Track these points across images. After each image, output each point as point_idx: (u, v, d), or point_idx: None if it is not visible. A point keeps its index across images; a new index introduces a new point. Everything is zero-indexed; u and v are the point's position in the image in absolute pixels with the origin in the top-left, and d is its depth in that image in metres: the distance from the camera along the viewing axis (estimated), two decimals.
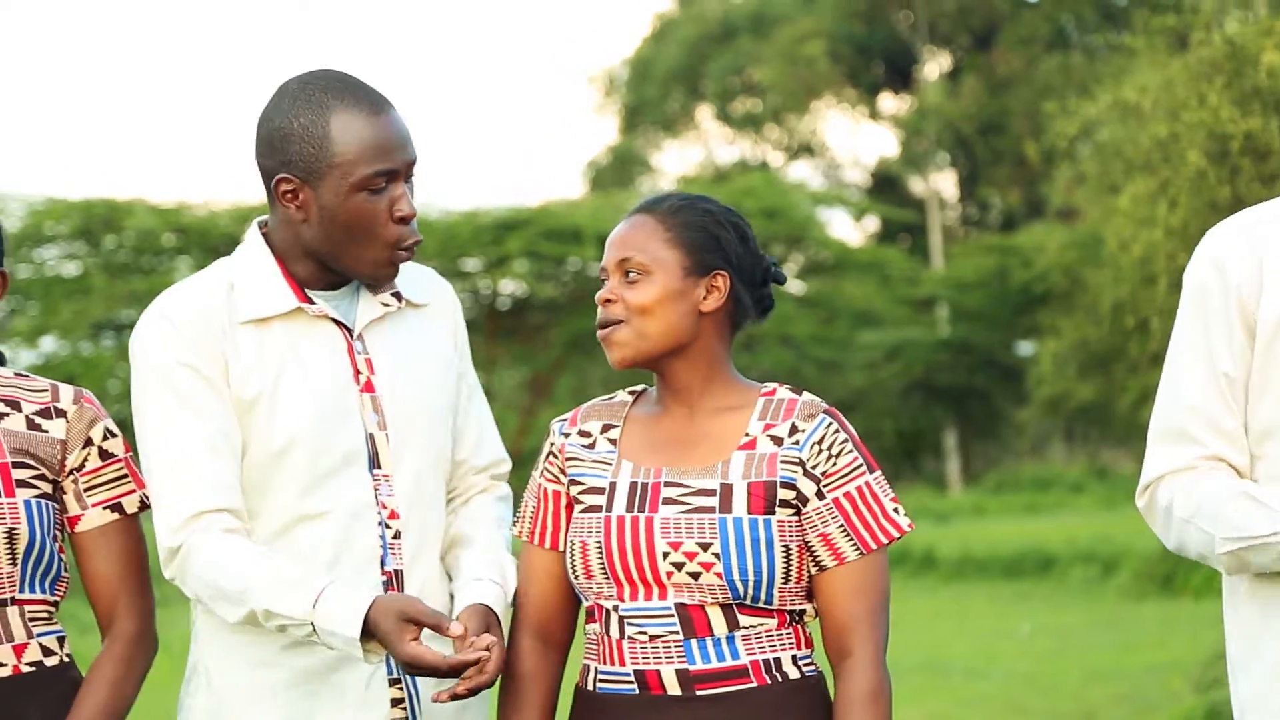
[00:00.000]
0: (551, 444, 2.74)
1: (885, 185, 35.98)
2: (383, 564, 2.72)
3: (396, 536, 2.74)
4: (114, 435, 2.78)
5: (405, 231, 2.69)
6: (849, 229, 34.89)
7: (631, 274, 2.65)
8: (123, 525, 2.76)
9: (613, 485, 2.65)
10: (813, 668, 2.66)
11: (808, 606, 2.66)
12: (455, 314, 2.89)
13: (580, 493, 2.68)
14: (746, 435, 2.64)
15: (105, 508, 2.75)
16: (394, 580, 2.73)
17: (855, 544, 2.62)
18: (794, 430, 2.63)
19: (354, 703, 2.69)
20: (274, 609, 2.58)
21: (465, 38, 69.84)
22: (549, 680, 2.73)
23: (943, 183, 35.51)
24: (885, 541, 2.63)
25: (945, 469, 30.78)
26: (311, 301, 2.72)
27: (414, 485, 2.76)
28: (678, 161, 38.54)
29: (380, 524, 2.72)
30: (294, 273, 2.73)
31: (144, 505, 2.78)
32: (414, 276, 2.85)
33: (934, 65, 35.13)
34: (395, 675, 2.72)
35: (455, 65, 69.63)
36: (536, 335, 18.92)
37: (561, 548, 2.71)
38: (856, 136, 44.05)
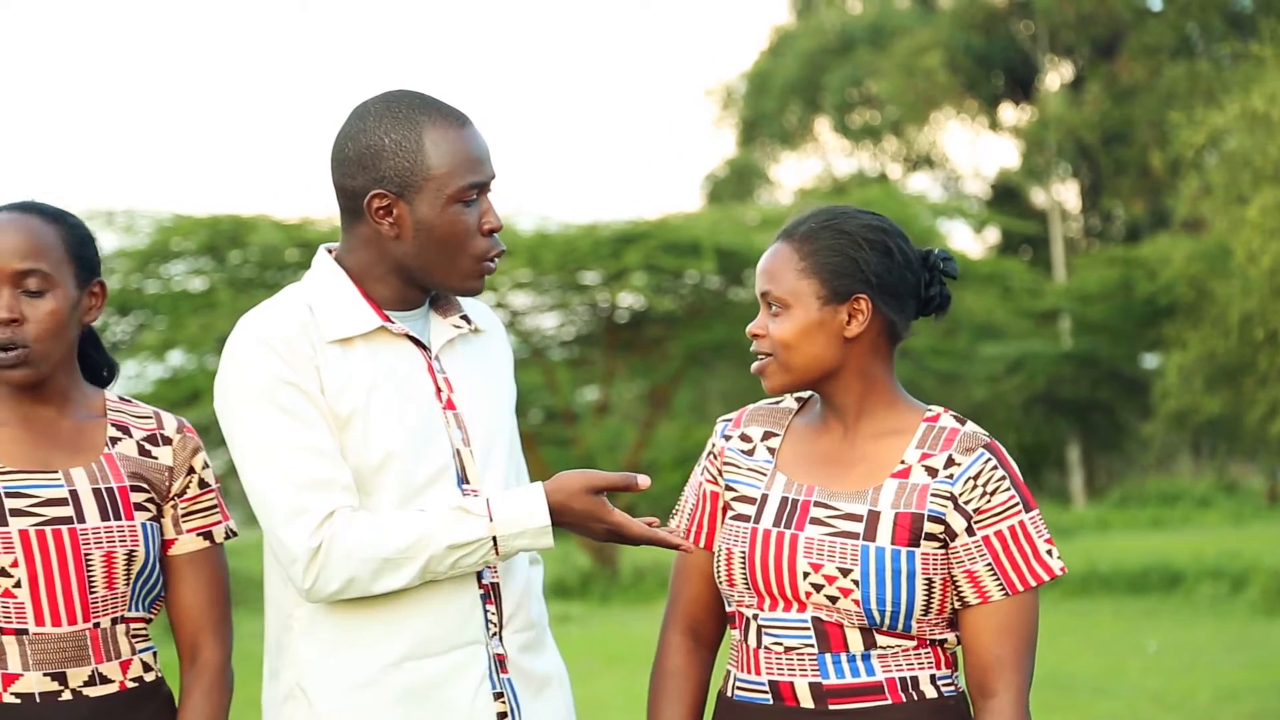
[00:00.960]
0: (713, 445, 2.75)
1: (1006, 196, 35.65)
2: (480, 577, 2.73)
3: None
4: (209, 466, 2.85)
5: (492, 243, 2.73)
6: (969, 241, 34.66)
7: (773, 306, 2.65)
8: (211, 553, 2.82)
9: (764, 497, 2.65)
10: (953, 688, 2.63)
11: (950, 636, 2.63)
12: (508, 346, 2.93)
13: (733, 499, 2.69)
14: (902, 463, 2.62)
15: (198, 534, 2.81)
16: (491, 593, 2.74)
17: (1001, 584, 2.59)
18: (950, 463, 2.60)
19: (460, 718, 2.69)
20: (456, 540, 2.60)
21: (584, 52, 70.19)
22: (698, 676, 2.74)
23: (1065, 193, 35.14)
24: (1034, 584, 2.59)
25: (1069, 483, 30.44)
26: (392, 321, 2.74)
27: None
28: (795, 174, 38.47)
29: None
30: (371, 293, 2.75)
31: (229, 535, 2.85)
32: (472, 305, 2.88)
33: (1055, 75, 34.76)
34: (498, 689, 2.73)
35: (575, 79, 69.98)
36: (655, 348, 18.94)
37: (714, 548, 2.72)
38: (976, 147, 43.67)
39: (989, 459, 2.59)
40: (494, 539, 2.61)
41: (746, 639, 2.64)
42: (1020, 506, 2.59)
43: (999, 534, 2.57)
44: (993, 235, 34.77)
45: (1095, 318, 25.16)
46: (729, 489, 2.70)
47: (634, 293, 17.80)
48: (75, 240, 2.75)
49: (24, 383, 2.70)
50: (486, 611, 2.72)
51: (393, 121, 2.69)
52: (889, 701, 2.57)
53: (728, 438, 2.73)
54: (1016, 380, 25.37)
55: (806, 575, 2.58)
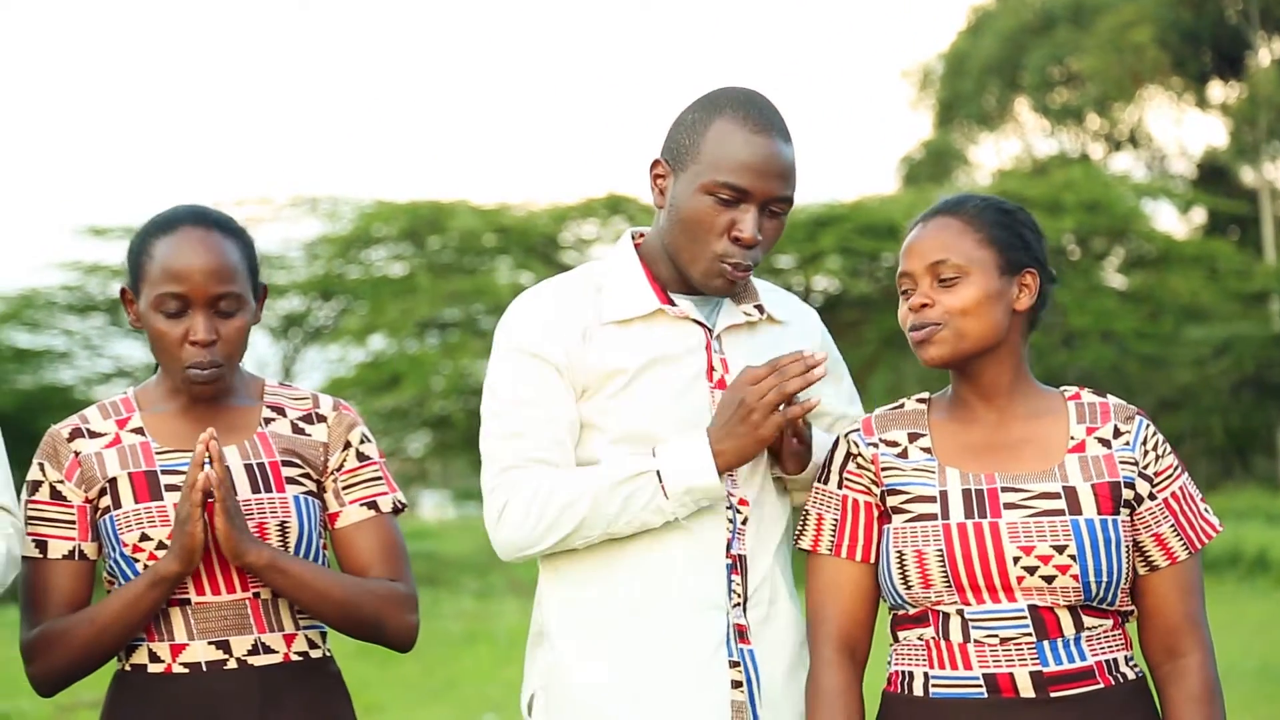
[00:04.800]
0: (855, 455, 2.70)
1: (1213, 176, 34.81)
2: (729, 547, 2.77)
3: (745, 522, 2.79)
4: (369, 441, 2.90)
5: (733, 250, 2.74)
6: (1174, 221, 33.86)
7: (947, 277, 2.63)
8: (378, 520, 2.86)
9: (943, 493, 2.61)
10: (1139, 669, 2.65)
11: (1133, 607, 2.66)
12: (819, 335, 2.95)
13: (904, 502, 2.64)
14: (1072, 439, 2.63)
15: (362, 505, 2.86)
16: (738, 564, 2.77)
17: (1184, 543, 2.65)
18: (1117, 433, 2.64)
19: (693, 682, 2.72)
20: (622, 474, 2.68)
21: (781, 35, 69.95)
22: (858, 693, 2.70)
23: (1275, 172, 34.20)
24: (1206, 540, 2.66)
25: (1278, 468, 29.70)
26: (673, 303, 2.81)
27: (759, 479, 2.81)
28: (993, 155, 37.96)
29: (731, 508, 2.78)
30: (658, 275, 2.82)
31: (397, 508, 2.89)
32: (777, 297, 2.93)
33: (1266, 52, 33.84)
34: (735, 658, 2.75)
35: (771, 62, 69.79)
36: (850, 332, 18.82)
37: (872, 560, 2.68)
38: (1182, 126, 42.74)
39: (1147, 424, 2.67)
40: (658, 472, 2.67)
41: (946, 635, 2.59)
42: (1180, 468, 2.67)
43: (1174, 495, 2.65)
44: (1199, 216, 33.94)
45: None
46: (894, 493, 2.65)
47: (829, 276, 17.73)
48: (251, 255, 2.83)
49: (210, 396, 2.79)
50: (731, 581, 2.76)
51: (705, 104, 2.78)
52: (1101, 685, 2.57)
53: (873, 445, 2.69)
54: (1224, 363, 24.78)
55: (1017, 560, 2.55)
